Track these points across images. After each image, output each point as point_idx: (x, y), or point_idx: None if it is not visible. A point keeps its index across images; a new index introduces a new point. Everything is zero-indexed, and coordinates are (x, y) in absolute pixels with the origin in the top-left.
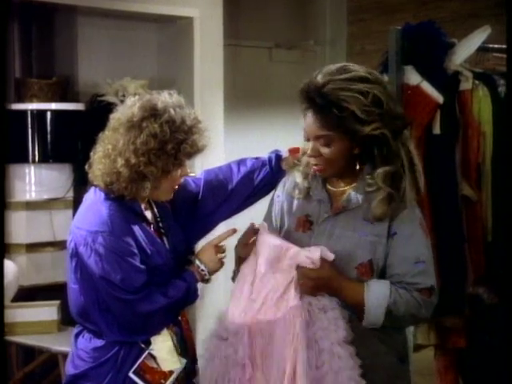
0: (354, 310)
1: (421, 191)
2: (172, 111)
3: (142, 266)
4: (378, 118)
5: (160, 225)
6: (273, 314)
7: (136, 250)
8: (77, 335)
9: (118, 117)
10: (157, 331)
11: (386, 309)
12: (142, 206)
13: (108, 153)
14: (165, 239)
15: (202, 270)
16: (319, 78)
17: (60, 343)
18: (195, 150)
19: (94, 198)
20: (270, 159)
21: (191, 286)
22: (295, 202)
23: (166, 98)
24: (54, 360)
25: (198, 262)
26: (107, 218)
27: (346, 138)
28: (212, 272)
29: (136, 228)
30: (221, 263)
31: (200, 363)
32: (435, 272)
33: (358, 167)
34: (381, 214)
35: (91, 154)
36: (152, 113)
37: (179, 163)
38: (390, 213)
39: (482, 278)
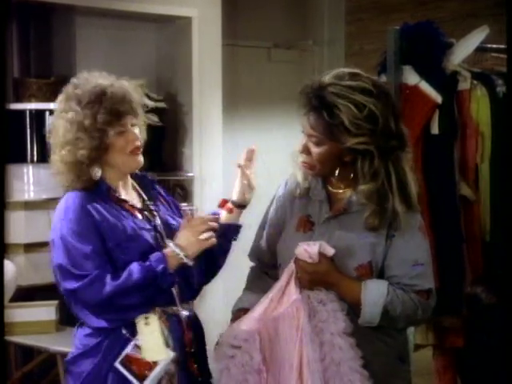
0: (351, 308)
1: (412, 207)
2: (78, 90)
3: (90, 251)
4: (367, 133)
5: (147, 206)
6: (276, 311)
7: (90, 234)
8: (78, 326)
9: (51, 121)
10: (127, 316)
11: (383, 308)
12: (120, 188)
13: (51, 157)
14: (158, 220)
15: (178, 254)
16: (326, 79)
17: (58, 343)
18: (114, 115)
19: (63, 197)
20: None
21: (157, 268)
22: (297, 203)
23: (76, 81)
24: (52, 360)
25: (172, 246)
26: (66, 206)
27: (334, 144)
28: (190, 255)
29: (99, 208)
30: (201, 243)
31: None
32: (433, 273)
33: (351, 175)
34: (372, 226)
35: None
36: (66, 101)
37: (106, 134)
38: (389, 220)
39: (480, 277)
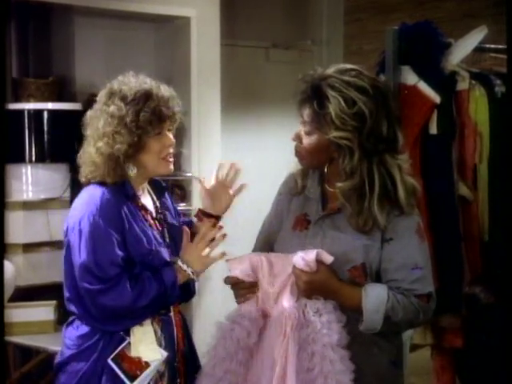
0: (354, 314)
1: (405, 211)
2: (125, 87)
3: (117, 257)
4: (351, 129)
5: (159, 215)
6: (275, 308)
7: (118, 237)
8: (67, 325)
9: (87, 114)
10: (132, 324)
11: (384, 314)
12: (140, 192)
13: (85, 149)
14: (166, 232)
15: (185, 271)
16: (327, 71)
17: (56, 343)
18: (158, 117)
19: (89, 188)
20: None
21: (167, 285)
22: (294, 201)
23: (123, 79)
24: (50, 360)
25: (180, 263)
26: (98, 200)
27: (322, 135)
28: (199, 271)
29: (127, 213)
30: (208, 259)
31: (208, 342)
32: (432, 273)
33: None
34: (356, 227)
35: (78, 156)
36: (109, 96)
37: (145, 133)
38: (371, 224)
39: (479, 277)
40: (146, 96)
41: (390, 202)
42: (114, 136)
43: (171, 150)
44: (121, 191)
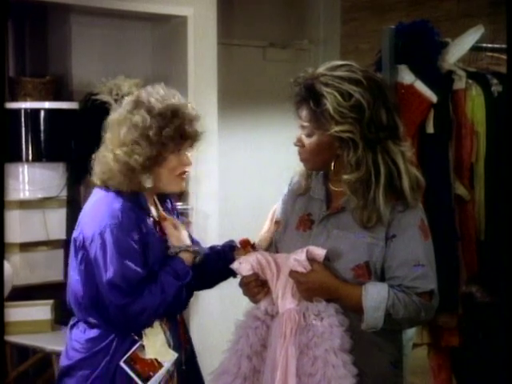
0: (355, 314)
1: (408, 204)
2: (153, 100)
3: (142, 269)
4: (351, 121)
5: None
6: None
7: (140, 249)
8: (72, 327)
9: (110, 117)
10: (152, 322)
11: (385, 312)
12: (150, 204)
13: (102, 152)
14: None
15: (186, 250)
16: (318, 70)
17: (54, 342)
18: (181, 135)
19: (105, 195)
20: (224, 250)
21: (181, 273)
22: (298, 201)
23: (152, 90)
24: (47, 359)
25: (176, 248)
26: (118, 212)
27: (323, 133)
28: (188, 244)
29: (144, 224)
30: (178, 234)
31: (228, 339)
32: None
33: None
34: (361, 221)
35: (93, 156)
36: (135, 105)
37: (165, 149)
38: (375, 219)
39: (475, 276)
40: (173, 112)
41: (395, 195)
42: (133, 146)
43: (187, 169)
44: (136, 202)
